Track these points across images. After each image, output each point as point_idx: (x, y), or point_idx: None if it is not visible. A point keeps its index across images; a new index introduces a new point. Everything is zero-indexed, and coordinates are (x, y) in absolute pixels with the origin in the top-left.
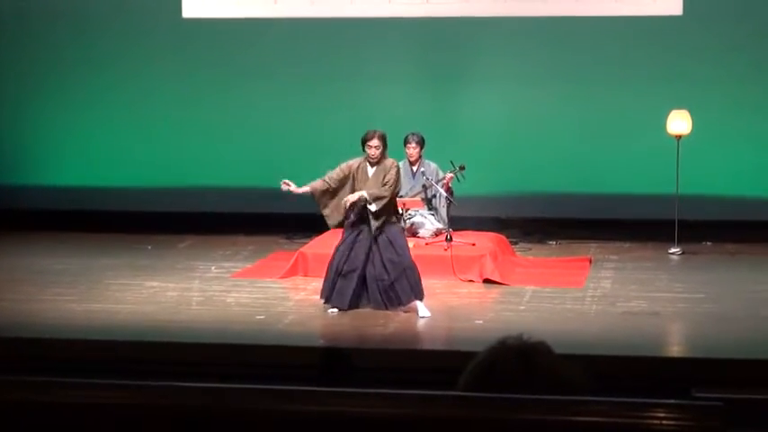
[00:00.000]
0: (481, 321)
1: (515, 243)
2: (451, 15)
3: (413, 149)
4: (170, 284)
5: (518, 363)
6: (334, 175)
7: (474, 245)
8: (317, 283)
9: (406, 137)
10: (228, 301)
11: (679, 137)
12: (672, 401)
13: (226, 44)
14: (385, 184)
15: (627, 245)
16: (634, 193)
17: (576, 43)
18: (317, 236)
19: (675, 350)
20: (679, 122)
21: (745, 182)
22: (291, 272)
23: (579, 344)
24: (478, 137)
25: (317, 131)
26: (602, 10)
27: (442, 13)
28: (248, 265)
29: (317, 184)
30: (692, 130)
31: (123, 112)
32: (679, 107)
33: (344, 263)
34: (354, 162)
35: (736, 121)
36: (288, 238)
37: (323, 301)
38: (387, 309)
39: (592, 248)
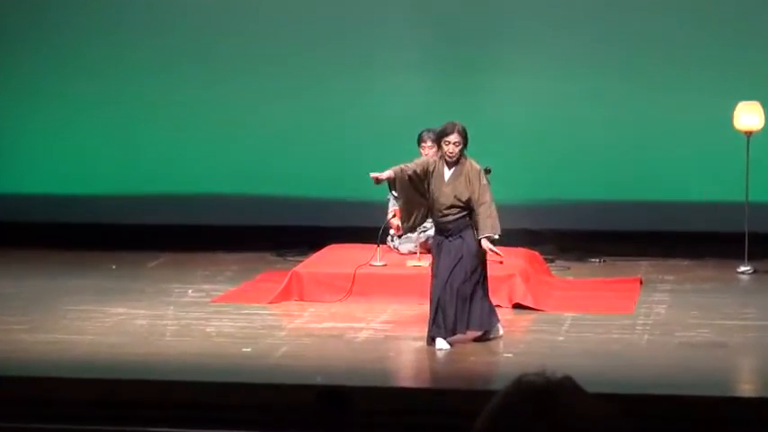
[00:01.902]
0: (510, 354)
1: (551, 261)
2: None
3: (429, 149)
4: (139, 311)
5: (535, 405)
6: (416, 168)
7: (501, 263)
8: (314, 309)
9: (421, 135)
10: (209, 330)
11: (749, 133)
12: None
13: (209, 32)
14: (482, 204)
15: (686, 262)
16: (694, 200)
17: (620, 25)
18: (315, 252)
19: (745, 388)
20: (748, 116)
21: None
22: (283, 295)
23: (627, 381)
24: (506, 135)
25: (315, 130)
26: None
27: None
28: (232, 288)
29: (398, 170)
30: (764, 126)
31: (84, 110)
32: (748, 98)
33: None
34: (431, 159)
35: None
36: (279, 255)
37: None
38: (466, 331)
39: (643, 267)
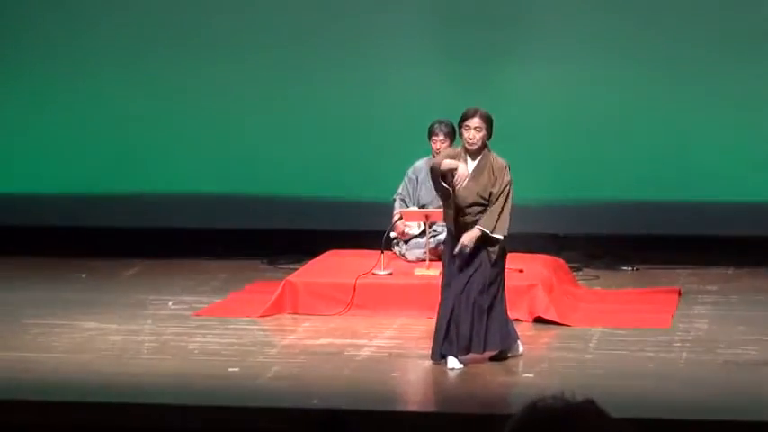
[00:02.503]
0: (531, 375)
1: (578, 269)
2: None
3: (440, 143)
4: (112, 326)
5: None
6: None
7: (521, 271)
8: (310, 324)
9: (432, 127)
10: (191, 347)
11: None
12: None
13: (197, 14)
14: (498, 199)
15: (730, 271)
16: (740, 200)
17: (663, 4)
18: (311, 259)
19: None
20: None
21: None
22: (275, 308)
23: (664, 405)
24: (528, 129)
25: (312, 123)
26: None
27: None
28: (217, 300)
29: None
30: None
31: (52, 101)
32: None
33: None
34: (453, 152)
35: None
36: (271, 263)
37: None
38: (484, 351)
39: (682, 276)
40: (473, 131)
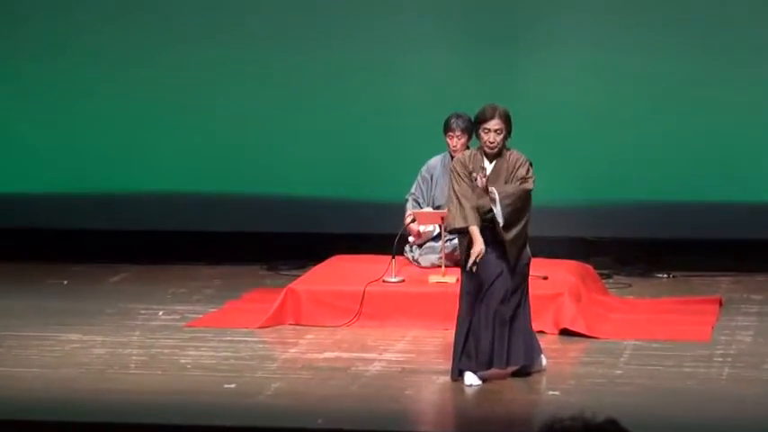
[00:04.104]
0: (557, 393)
1: (608, 277)
2: None
3: (457, 139)
4: (97, 338)
5: None
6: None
7: (546, 278)
8: (314, 336)
9: (448, 122)
10: (183, 362)
11: None
12: None
13: (196, 6)
14: (524, 179)
15: None
16: None
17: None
18: (315, 265)
19: None
20: None
21: None
22: (276, 318)
23: (702, 424)
24: (551, 122)
25: (315, 117)
26: None
27: None
28: (212, 309)
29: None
30: None
31: (34, 98)
32: None
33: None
34: (467, 153)
35: None
36: (271, 269)
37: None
38: (508, 366)
39: (723, 284)
40: (493, 134)
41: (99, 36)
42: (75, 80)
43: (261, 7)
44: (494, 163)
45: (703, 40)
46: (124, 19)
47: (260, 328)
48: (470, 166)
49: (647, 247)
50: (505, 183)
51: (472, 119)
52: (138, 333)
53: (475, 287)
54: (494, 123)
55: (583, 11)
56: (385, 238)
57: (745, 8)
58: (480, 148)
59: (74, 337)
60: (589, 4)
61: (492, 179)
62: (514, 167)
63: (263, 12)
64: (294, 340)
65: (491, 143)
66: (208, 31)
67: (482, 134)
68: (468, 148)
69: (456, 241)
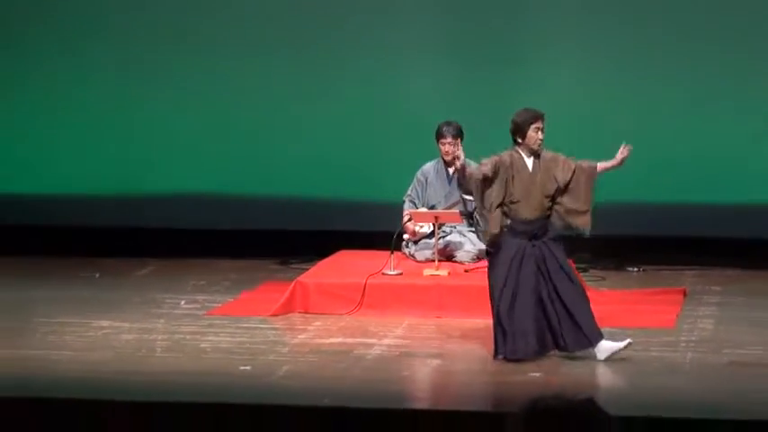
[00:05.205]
0: (537, 374)
1: (584, 270)
2: None
3: (449, 145)
4: (125, 324)
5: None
6: (485, 168)
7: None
8: (321, 323)
9: (440, 128)
10: (203, 346)
11: None
12: None
13: (204, 10)
14: (571, 179)
15: (735, 271)
16: (745, 202)
17: (671, 11)
18: (322, 259)
19: None
20: None
21: None
22: (286, 307)
23: (668, 404)
24: None
25: (322, 123)
26: None
27: None
28: (230, 299)
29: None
30: None
31: (64, 101)
32: None
33: (514, 298)
34: (505, 156)
35: None
36: (282, 263)
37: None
38: (570, 351)
39: (687, 277)
40: (541, 132)
41: (129, 47)
42: (108, 95)
43: (275, 23)
44: (533, 160)
45: (666, 60)
46: (144, 32)
47: (272, 316)
48: (513, 167)
49: (619, 242)
50: (546, 179)
51: (461, 126)
52: (162, 320)
53: (528, 281)
54: (542, 123)
55: (572, 28)
56: (384, 235)
57: (743, 15)
58: (527, 148)
59: (105, 323)
60: (571, 23)
61: (533, 177)
62: (564, 160)
63: (271, 26)
64: (303, 327)
65: (540, 140)
66: (232, 54)
67: (533, 133)
68: None
69: (448, 238)
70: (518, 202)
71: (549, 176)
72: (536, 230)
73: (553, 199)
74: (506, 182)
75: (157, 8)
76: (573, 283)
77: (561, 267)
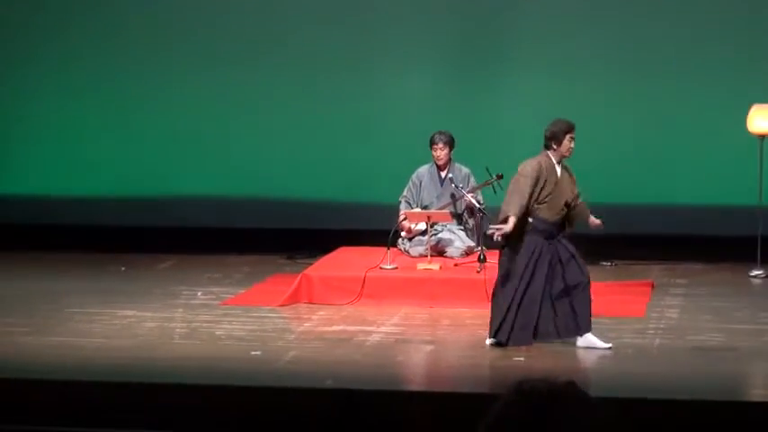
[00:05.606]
0: (522, 358)
1: None
2: None
3: (440, 151)
4: (147, 314)
5: (535, 411)
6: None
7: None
8: (324, 312)
9: (433, 137)
10: (218, 333)
11: (762, 136)
12: None
13: (215, 25)
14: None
15: (698, 266)
16: (707, 203)
17: (637, 24)
18: (325, 255)
19: (758, 393)
20: (762, 119)
21: None
22: (293, 298)
23: (638, 385)
24: (519, 137)
25: (326, 132)
26: None
27: None
28: (242, 291)
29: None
30: None
31: (90, 109)
32: (761, 101)
33: (525, 291)
34: (541, 159)
35: None
36: (289, 258)
37: (492, 341)
38: (560, 338)
39: (655, 271)
40: (573, 142)
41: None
42: (145, 109)
43: (279, 36)
44: (561, 167)
45: (634, 72)
46: (165, 48)
47: (280, 306)
48: (545, 172)
49: (594, 240)
50: (571, 183)
51: (452, 135)
52: (181, 310)
53: (543, 275)
54: (574, 133)
55: (549, 44)
56: (382, 233)
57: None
58: (559, 154)
59: (129, 312)
60: (554, 40)
61: (562, 181)
62: (570, 172)
63: (277, 40)
64: (308, 316)
65: (572, 149)
66: (237, 60)
67: (568, 142)
68: (450, 160)
69: (440, 235)
70: (545, 203)
71: (570, 186)
72: (554, 231)
73: (568, 206)
74: (543, 183)
75: (168, 14)
76: (581, 273)
77: (573, 257)
